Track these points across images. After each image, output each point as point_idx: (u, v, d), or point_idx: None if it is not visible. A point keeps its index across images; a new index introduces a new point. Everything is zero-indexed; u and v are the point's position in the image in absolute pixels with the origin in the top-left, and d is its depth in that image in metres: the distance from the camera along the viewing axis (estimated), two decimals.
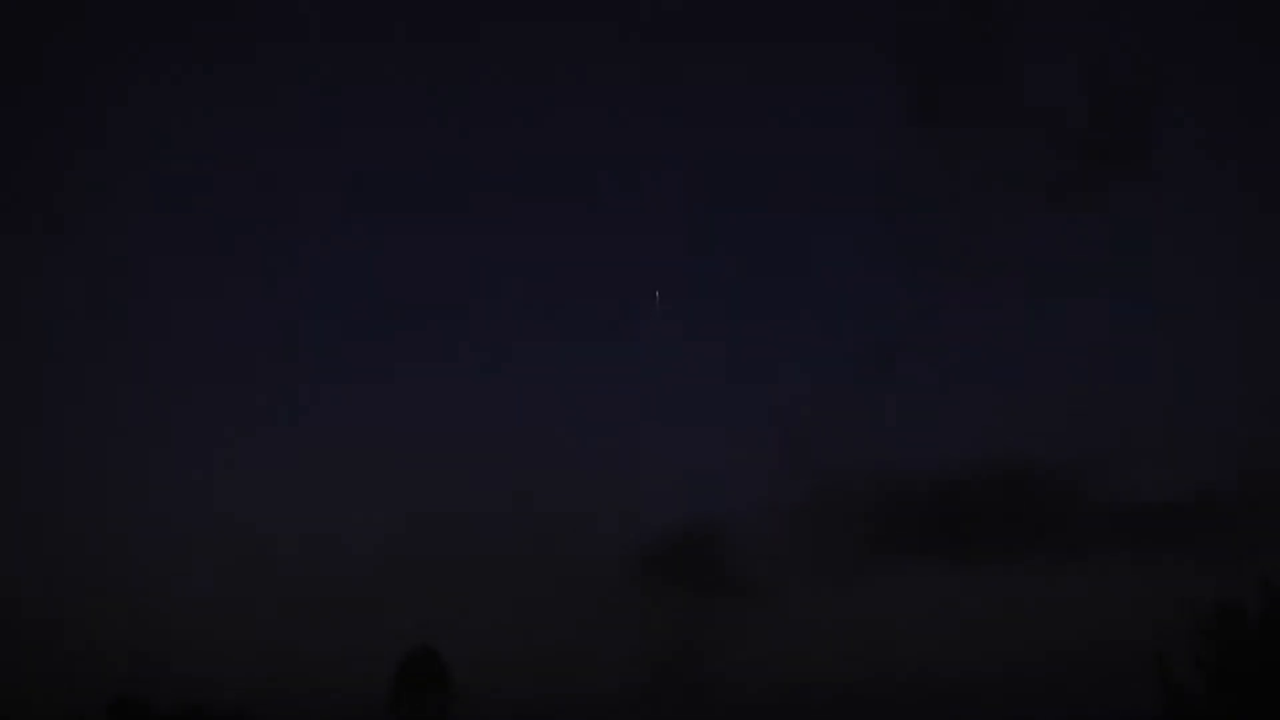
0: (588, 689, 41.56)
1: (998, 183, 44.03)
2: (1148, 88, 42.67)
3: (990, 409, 42.69)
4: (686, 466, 42.72)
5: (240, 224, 48.05)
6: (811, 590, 41.38)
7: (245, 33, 46.28)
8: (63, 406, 43.70)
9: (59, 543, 40.88)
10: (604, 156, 47.30)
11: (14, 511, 40.20)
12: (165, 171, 46.79)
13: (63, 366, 44.86)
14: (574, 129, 45.37)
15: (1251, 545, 39.32)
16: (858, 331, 43.66)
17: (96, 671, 38.92)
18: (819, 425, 42.88)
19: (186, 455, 42.82)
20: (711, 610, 42.59)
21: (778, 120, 45.01)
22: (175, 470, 42.78)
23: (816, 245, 44.05)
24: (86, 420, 43.28)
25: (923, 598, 41.06)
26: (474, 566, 41.89)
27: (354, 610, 40.86)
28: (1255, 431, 39.24)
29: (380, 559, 41.70)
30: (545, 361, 45.91)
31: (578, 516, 41.79)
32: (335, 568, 41.27)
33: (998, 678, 39.61)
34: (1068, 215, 43.45)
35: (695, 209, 46.51)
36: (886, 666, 40.46)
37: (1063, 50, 44.06)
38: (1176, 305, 42.51)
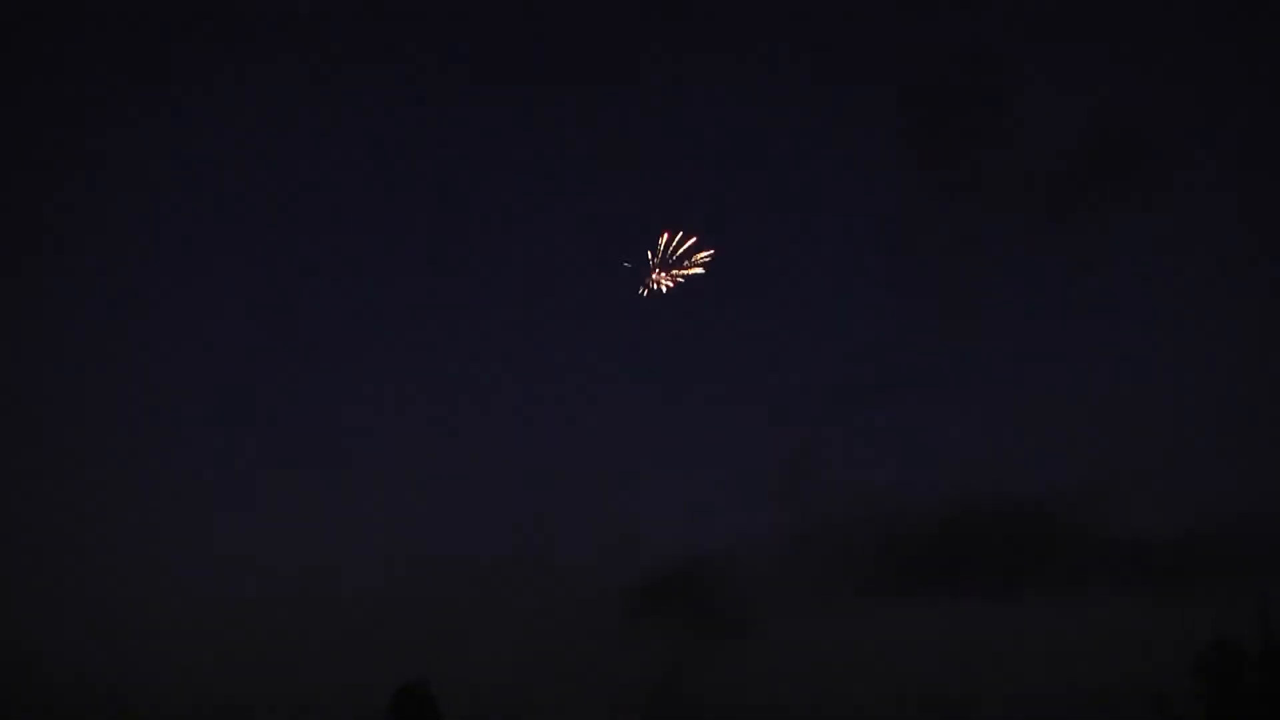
0: None
1: (995, 215, 43.65)
2: (1150, 123, 42.24)
3: (986, 442, 42.31)
4: (681, 501, 42.34)
5: (241, 254, 47.45)
6: (807, 625, 40.96)
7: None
8: (62, 435, 43.11)
9: (53, 571, 40.49)
10: (595, 188, 46.95)
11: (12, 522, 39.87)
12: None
13: (60, 394, 44.28)
14: (568, 170, 45.16)
15: (1250, 582, 39.13)
16: (854, 365, 43.27)
17: (86, 701, 38.97)
18: (815, 459, 42.41)
19: (186, 489, 42.31)
20: (705, 645, 42.20)
21: (775, 155, 44.55)
22: (172, 503, 42.21)
23: (813, 279, 43.74)
24: (84, 451, 42.66)
25: (919, 634, 40.75)
26: (465, 600, 41.54)
27: (349, 644, 40.66)
28: (1255, 467, 38.93)
29: (376, 592, 41.44)
30: (538, 397, 45.42)
31: (571, 550, 41.53)
32: (331, 601, 41.02)
33: (996, 714, 39.17)
34: (1065, 249, 43.03)
35: None
36: (883, 703, 39.96)
37: (1063, 80, 43.62)
38: (1176, 339, 42.10)
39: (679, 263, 43.91)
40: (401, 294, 47.82)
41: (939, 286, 42.78)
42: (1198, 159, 42.56)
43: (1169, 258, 43.03)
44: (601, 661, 41.40)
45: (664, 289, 43.41)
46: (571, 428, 44.24)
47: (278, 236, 47.30)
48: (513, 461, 43.52)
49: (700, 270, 43.12)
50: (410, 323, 47.29)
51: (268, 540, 41.65)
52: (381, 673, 34.56)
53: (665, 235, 43.55)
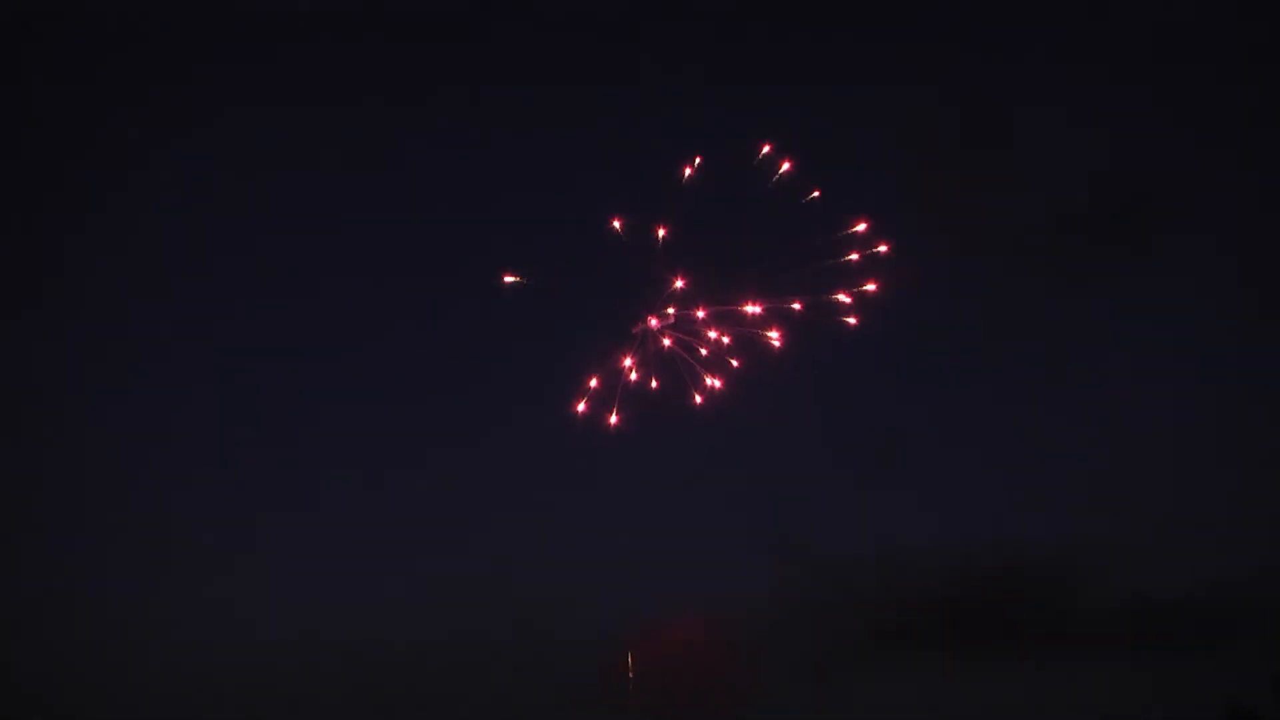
0: None
1: (999, 259, 42.81)
2: (1158, 175, 41.80)
3: (989, 496, 41.19)
4: (674, 556, 40.97)
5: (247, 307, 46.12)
6: (805, 691, 39.68)
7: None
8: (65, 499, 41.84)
9: (69, 639, 39.26)
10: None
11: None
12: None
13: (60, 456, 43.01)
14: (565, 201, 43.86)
15: (1269, 645, 38.04)
16: (854, 413, 42.17)
17: None
18: (813, 515, 41.30)
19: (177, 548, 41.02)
20: (698, 712, 40.77)
21: None
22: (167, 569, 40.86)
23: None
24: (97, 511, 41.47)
25: (922, 698, 39.42)
26: (452, 665, 40.21)
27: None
28: (1269, 524, 37.99)
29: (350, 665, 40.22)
30: (526, 452, 44.01)
31: (558, 610, 40.13)
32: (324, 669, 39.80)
33: None
34: (1074, 295, 42.37)
35: None
36: None
37: (1067, 130, 43.18)
38: (1183, 394, 41.29)
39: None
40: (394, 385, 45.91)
41: (941, 329, 42.06)
42: (1206, 212, 42.25)
43: (1176, 312, 42.40)
44: None
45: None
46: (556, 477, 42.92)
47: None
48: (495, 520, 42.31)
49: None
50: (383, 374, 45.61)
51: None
52: None
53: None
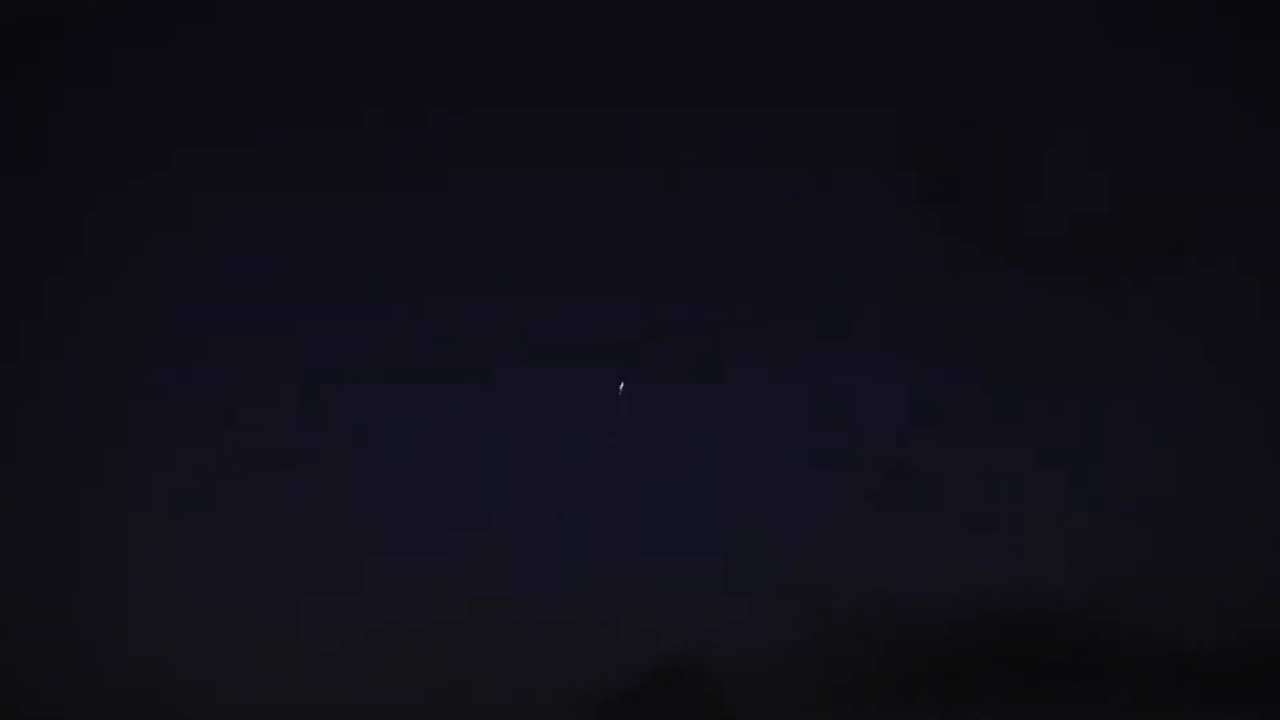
0: None
1: (1015, 279, 39.56)
2: (1186, 187, 38.35)
3: (1005, 535, 37.28)
4: (665, 597, 37.60)
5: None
6: None
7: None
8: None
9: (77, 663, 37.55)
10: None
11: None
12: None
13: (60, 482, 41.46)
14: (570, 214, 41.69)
15: None
16: (857, 445, 38.54)
17: None
18: (813, 552, 37.85)
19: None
20: None
21: (777, 221, 40.82)
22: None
23: (814, 347, 39.27)
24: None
25: None
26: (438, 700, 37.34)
27: None
28: None
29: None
30: (519, 488, 41.29)
31: (543, 654, 37.01)
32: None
33: None
34: (1095, 318, 38.60)
35: None
36: None
37: (1092, 139, 39.98)
38: (1221, 419, 37.14)
39: None
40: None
41: (948, 352, 38.51)
42: (1234, 223, 38.41)
43: (1209, 335, 38.44)
44: None
45: None
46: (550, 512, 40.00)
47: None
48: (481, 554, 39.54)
49: None
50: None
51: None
52: None
53: None
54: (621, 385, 37.26)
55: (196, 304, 43.07)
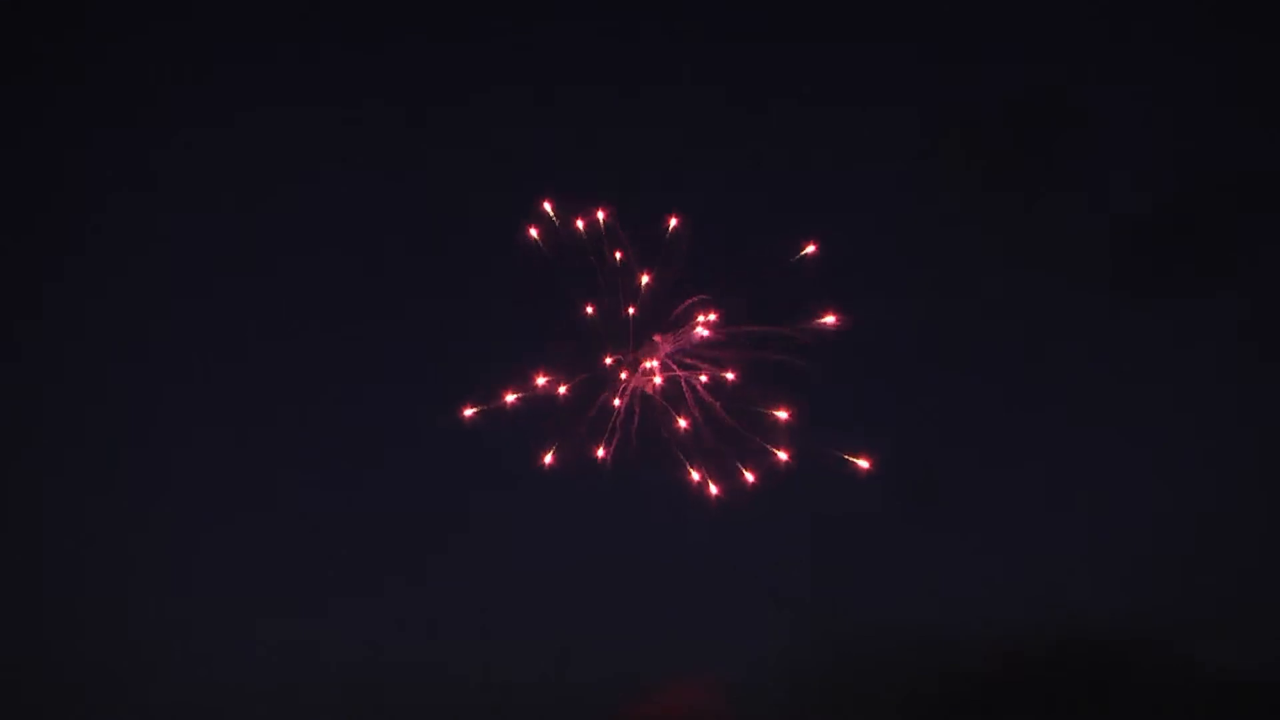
0: None
1: (1058, 279, 37.26)
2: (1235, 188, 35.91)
3: (1045, 556, 35.18)
4: (671, 622, 35.97)
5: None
6: None
7: None
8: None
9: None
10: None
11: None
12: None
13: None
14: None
15: None
16: (883, 463, 36.33)
17: None
18: (838, 575, 35.97)
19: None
20: None
21: (802, 216, 38.31)
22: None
23: (839, 355, 37.04)
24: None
25: None
26: None
27: None
28: None
29: None
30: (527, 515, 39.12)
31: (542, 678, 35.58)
32: None
33: None
34: (1138, 329, 36.30)
35: None
36: None
37: (1144, 131, 37.45)
38: (1270, 438, 34.68)
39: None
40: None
41: (984, 359, 36.20)
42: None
43: (1260, 344, 35.82)
44: None
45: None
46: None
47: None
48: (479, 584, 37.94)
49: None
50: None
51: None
52: None
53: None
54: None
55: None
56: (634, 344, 35.49)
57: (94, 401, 39.05)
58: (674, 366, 35.54)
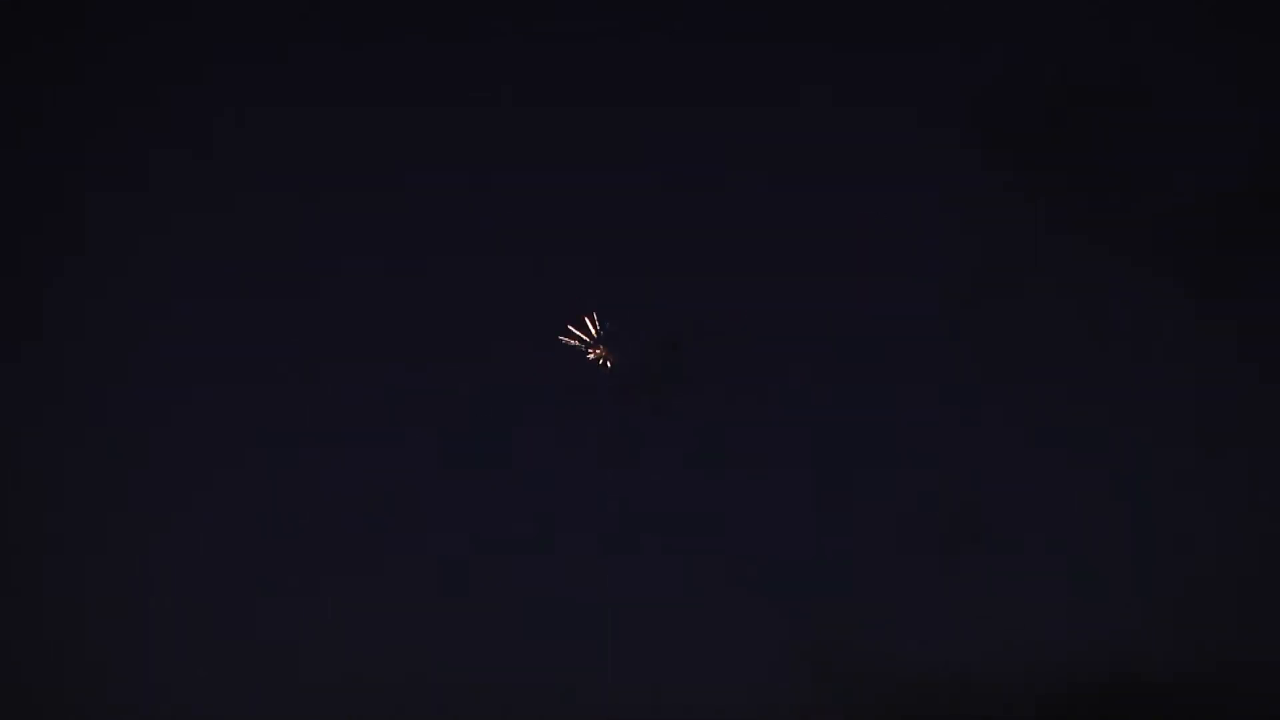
0: None
1: (1110, 265, 33.75)
2: None
3: (1091, 596, 31.90)
4: (672, 656, 33.43)
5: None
6: None
7: None
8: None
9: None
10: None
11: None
12: None
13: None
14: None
15: None
16: (910, 501, 33.12)
17: None
18: (861, 614, 33.07)
19: None
20: None
21: (838, 204, 35.27)
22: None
23: (873, 372, 33.94)
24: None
25: None
26: None
27: None
28: None
29: None
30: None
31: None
32: None
33: None
34: (1199, 337, 32.51)
35: None
36: None
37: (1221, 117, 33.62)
38: None
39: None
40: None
41: (1033, 389, 32.63)
42: None
43: None
44: None
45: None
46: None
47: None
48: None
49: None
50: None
51: None
52: None
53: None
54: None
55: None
56: None
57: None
58: None
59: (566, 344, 33.03)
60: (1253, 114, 32.68)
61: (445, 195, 37.01)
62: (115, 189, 39.10)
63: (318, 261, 37.90)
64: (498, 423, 34.33)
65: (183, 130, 39.01)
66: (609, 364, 33.35)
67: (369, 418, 36.39)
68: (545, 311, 34.10)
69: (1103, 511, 31.76)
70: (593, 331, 33.01)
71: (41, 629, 36.45)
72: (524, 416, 33.99)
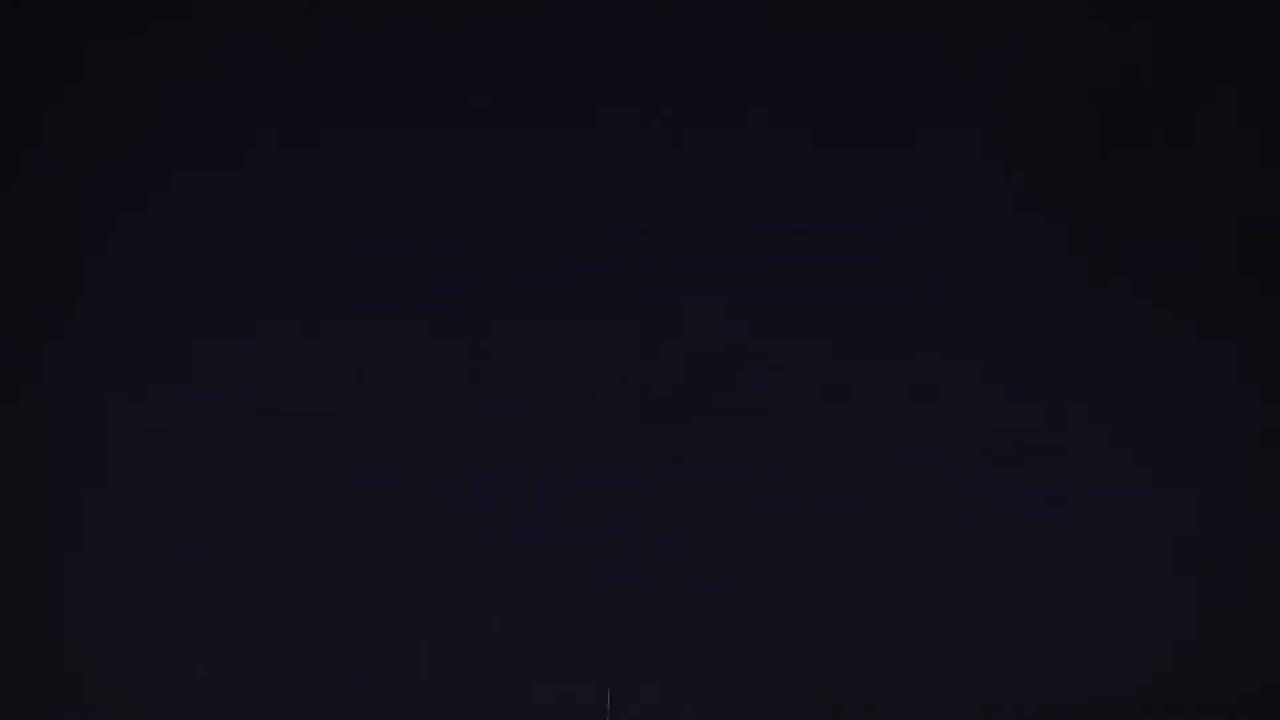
0: None
1: (1148, 300, 32.05)
2: None
3: (1134, 624, 30.07)
4: (680, 682, 31.65)
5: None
6: None
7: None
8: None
9: None
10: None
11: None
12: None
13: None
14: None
15: None
16: (940, 531, 31.39)
17: None
18: (880, 650, 31.35)
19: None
20: None
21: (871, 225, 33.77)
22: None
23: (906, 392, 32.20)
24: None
25: None
26: None
27: None
28: None
29: None
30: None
31: None
32: None
33: None
34: (1242, 375, 30.69)
35: None
36: None
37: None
38: None
39: None
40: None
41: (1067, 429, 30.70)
42: None
43: None
44: None
45: None
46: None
47: None
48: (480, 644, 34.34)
49: None
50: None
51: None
52: None
53: None
54: None
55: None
56: None
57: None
58: None
59: None
60: None
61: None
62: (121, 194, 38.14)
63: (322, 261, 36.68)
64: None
65: (188, 135, 37.96)
66: None
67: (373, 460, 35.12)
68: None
69: (1141, 548, 29.97)
70: None
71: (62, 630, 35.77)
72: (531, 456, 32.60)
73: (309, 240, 38.99)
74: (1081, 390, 31.49)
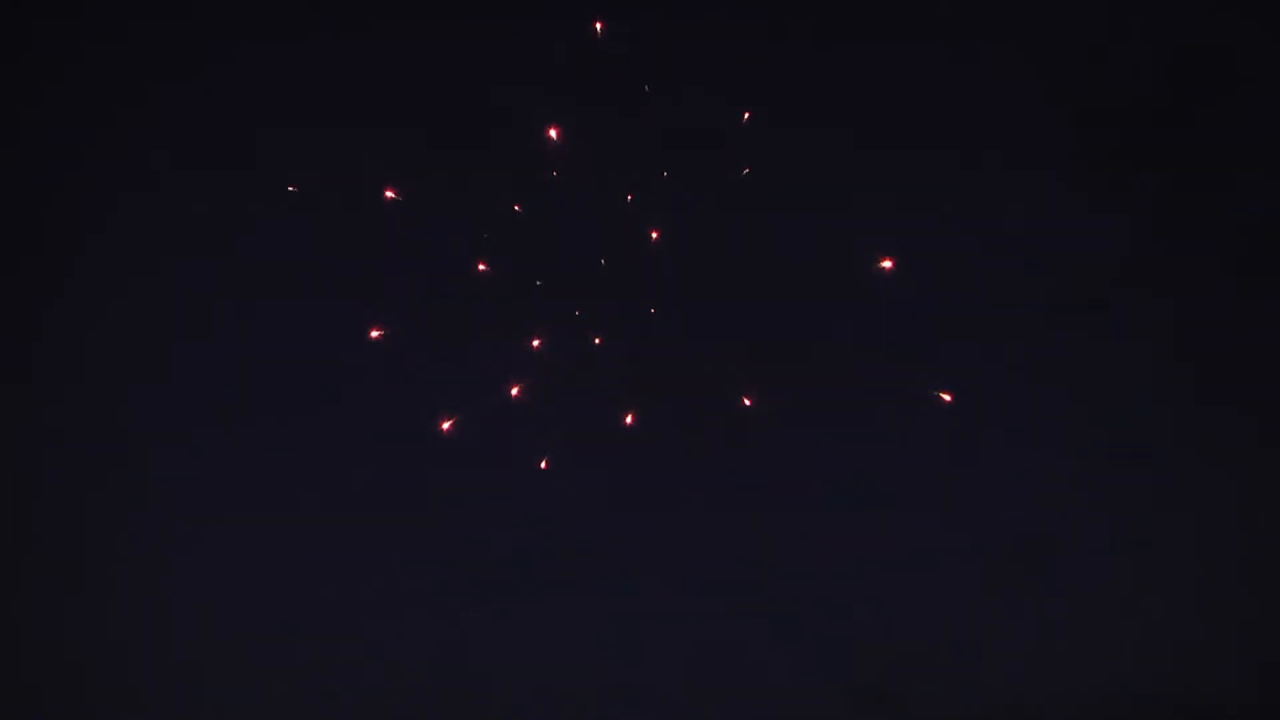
0: None
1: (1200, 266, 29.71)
2: None
3: (1166, 619, 28.10)
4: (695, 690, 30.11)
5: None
6: None
7: None
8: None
9: None
10: None
11: None
12: None
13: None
14: None
15: None
16: (983, 522, 29.49)
17: None
18: (916, 650, 29.51)
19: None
20: None
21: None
22: None
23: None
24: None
25: None
26: None
27: None
28: None
29: None
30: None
31: None
32: None
33: None
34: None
35: None
36: None
37: None
38: None
39: None
40: None
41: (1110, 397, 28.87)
42: None
43: None
44: None
45: None
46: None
47: None
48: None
49: None
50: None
51: None
52: None
53: None
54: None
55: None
56: None
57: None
58: None
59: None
60: None
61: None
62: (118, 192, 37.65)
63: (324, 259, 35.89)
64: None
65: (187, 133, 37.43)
66: None
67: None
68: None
69: (1182, 545, 28.09)
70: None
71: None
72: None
73: (307, 239, 37.61)
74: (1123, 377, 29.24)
